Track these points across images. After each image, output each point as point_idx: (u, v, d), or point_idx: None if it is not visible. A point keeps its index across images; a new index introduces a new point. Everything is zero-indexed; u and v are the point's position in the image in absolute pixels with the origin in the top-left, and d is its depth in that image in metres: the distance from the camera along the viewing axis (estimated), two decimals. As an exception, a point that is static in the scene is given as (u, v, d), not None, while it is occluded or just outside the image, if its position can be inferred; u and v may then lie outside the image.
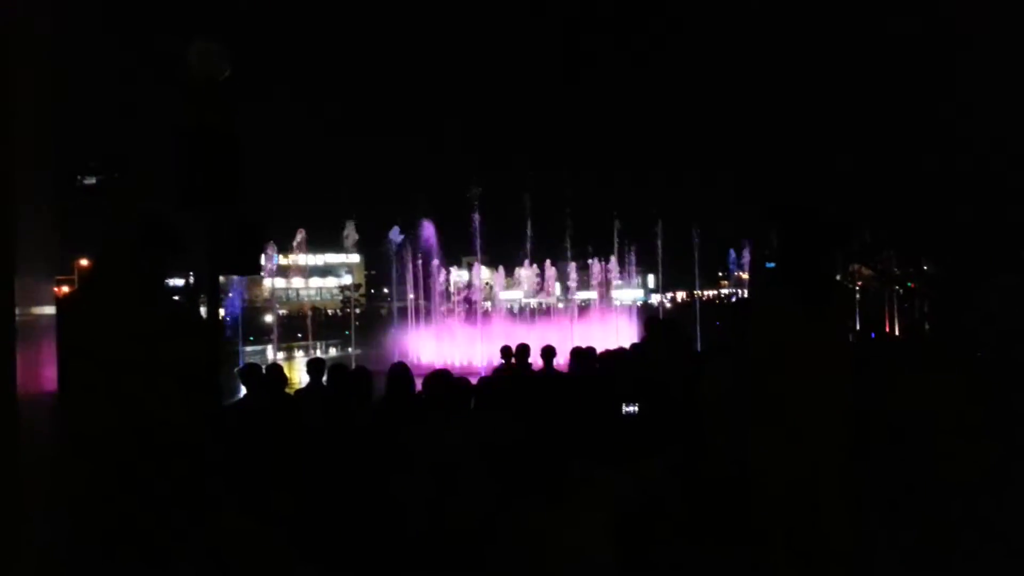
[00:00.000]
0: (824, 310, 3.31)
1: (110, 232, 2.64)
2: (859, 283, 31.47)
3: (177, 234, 2.76)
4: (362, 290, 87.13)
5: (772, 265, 3.55)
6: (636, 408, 4.96)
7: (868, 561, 3.72)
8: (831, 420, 3.25)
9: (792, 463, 3.22)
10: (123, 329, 2.33)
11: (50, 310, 1.49)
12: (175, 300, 3.09)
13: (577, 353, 7.24)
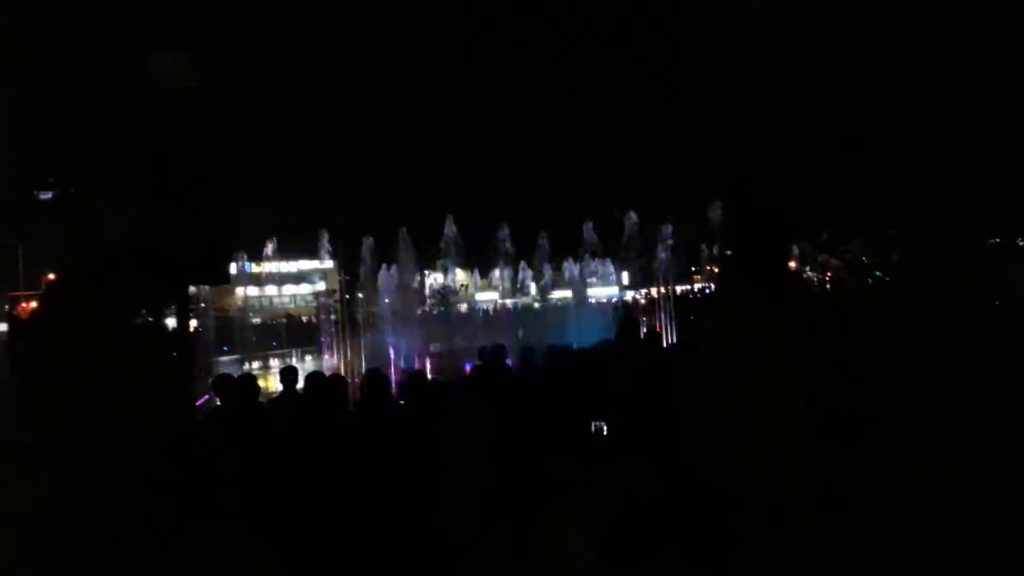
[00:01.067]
0: (780, 301, 3.33)
1: (70, 246, 2.60)
2: (828, 274, 31.93)
3: (139, 243, 2.72)
4: (337, 296, 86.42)
5: (729, 253, 3.58)
6: (604, 426, 4.89)
7: (838, 555, 3.76)
8: (791, 413, 3.27)
9: (752, 457, 3.24)
10: (87, 344, 2.29)
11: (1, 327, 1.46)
12: (140, 313, 3.04)
13: (554, 353, 7.27)
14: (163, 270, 2.67)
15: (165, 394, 2.66)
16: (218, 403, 5.78)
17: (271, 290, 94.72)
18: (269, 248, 42.73)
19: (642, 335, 7.90)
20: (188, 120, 4.81)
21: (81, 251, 2.50)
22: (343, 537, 3.94)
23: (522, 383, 6.60)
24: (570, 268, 40.78)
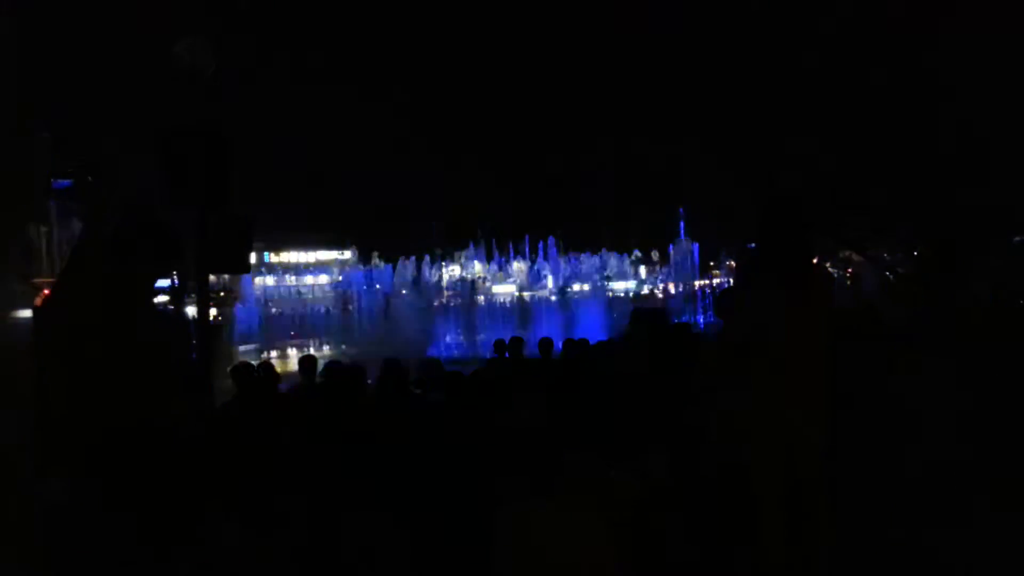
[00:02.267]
0: (802, 294, 3.31)
1: (83, 231, 2.58)
2: (849, 270, 31.61)
3: (171, 232, 2.70)
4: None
5: (753, 246, 3.57)
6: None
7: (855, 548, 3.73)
8: (810, 405, 3.26)
9: (771, 448, 3.23)
10: (101, 331, 2.28)
11: (25, 313, 1.45)
12: (156, 300, 3.04)
13: (570, 345, 7.25)
14: (175, 250, 2.64)
15: (182, 379, 2.66)
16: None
17: (289, 280, 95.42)
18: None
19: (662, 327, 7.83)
20: (208, 106, 4.83)
21: (97, 233, 2.49)
22: (355, 524, 3.95)
23: (541, 375, 6.59)
24: (587, 260, 40.73)
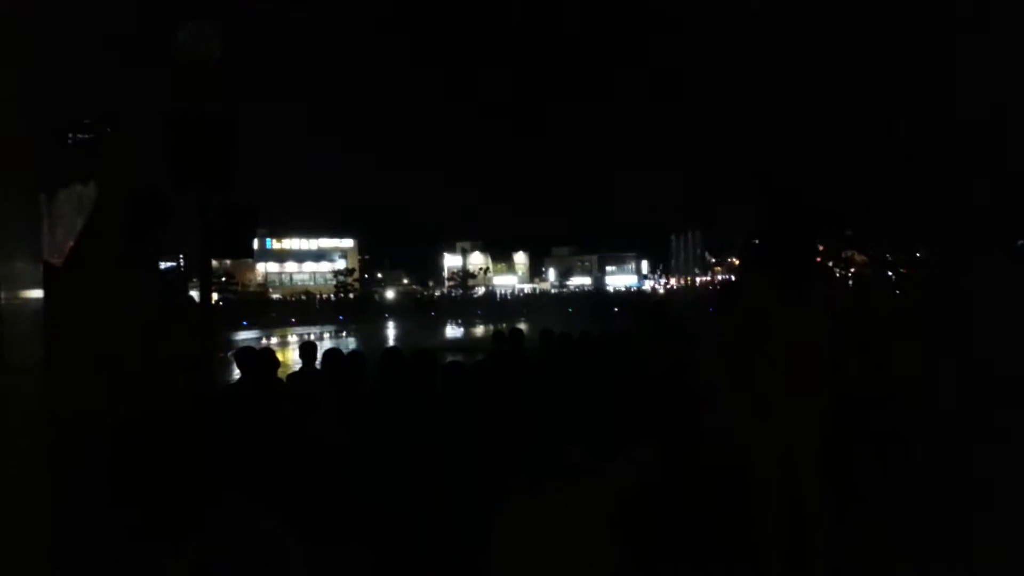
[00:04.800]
0: (803, 291, 3.30)
1: (96, 207, 2.54)
2: (851, 270, 31.60)
3: (168, 206, 2.67)
4: (356, 275, 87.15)
5: (756, 242, 3.56)
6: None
7: (856, 543, 3.73)
8: (808, 401, 3.26)
9: (768, 443, 3.23)
10: (109, 312, 2.27)
11: (37, 294, 1.43)
12: (165, 281, 3.04)
13: (568, 338, 7.25)
14: (164, 214, 2.60)
15: (187, 363, 2.66)
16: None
17: (291, 267, 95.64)
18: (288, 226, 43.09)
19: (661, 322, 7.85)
20: (212, 90, 4.80)
21: (112, 212, 2.44)
22: (356, 514, 3.96)
23: (538, 367, 6.59)
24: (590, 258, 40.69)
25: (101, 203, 2.50)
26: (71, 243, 2.46)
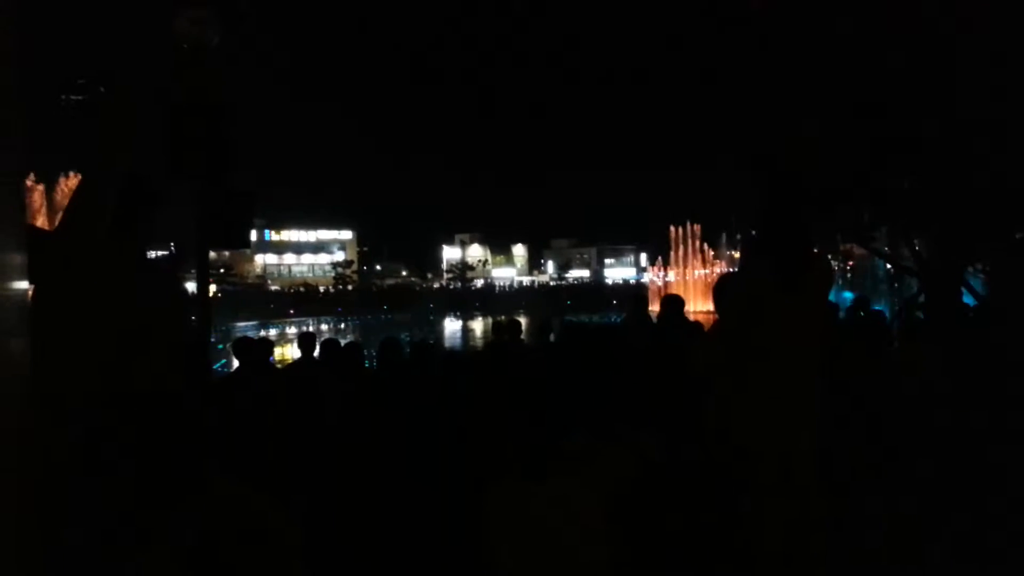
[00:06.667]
0: (802, 281, 3.29)
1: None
2: (850, 262, 31.50)
3: (157, 190, 2.63)
4: (354, 267, 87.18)
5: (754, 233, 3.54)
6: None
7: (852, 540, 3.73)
8: (803, 391, 3.25)
9: (763, 432, 3.22)
10: (102, 296, 2.23)
11: (21, 285, 1.40)
12: (159, 268, 3.03)
13: (570, 327, 7.26)
14: (150, 199, 2.54)
15: (180, 350, 2.64)
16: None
17: (289, 258, 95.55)
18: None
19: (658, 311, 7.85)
20: (209, 79, 4.77)
21: (104, 194, 2.37)
22: (351, 499, 3.96)
23: (537, 356, 6.60)
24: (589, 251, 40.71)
25: (90, 178, 2.40)
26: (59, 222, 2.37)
